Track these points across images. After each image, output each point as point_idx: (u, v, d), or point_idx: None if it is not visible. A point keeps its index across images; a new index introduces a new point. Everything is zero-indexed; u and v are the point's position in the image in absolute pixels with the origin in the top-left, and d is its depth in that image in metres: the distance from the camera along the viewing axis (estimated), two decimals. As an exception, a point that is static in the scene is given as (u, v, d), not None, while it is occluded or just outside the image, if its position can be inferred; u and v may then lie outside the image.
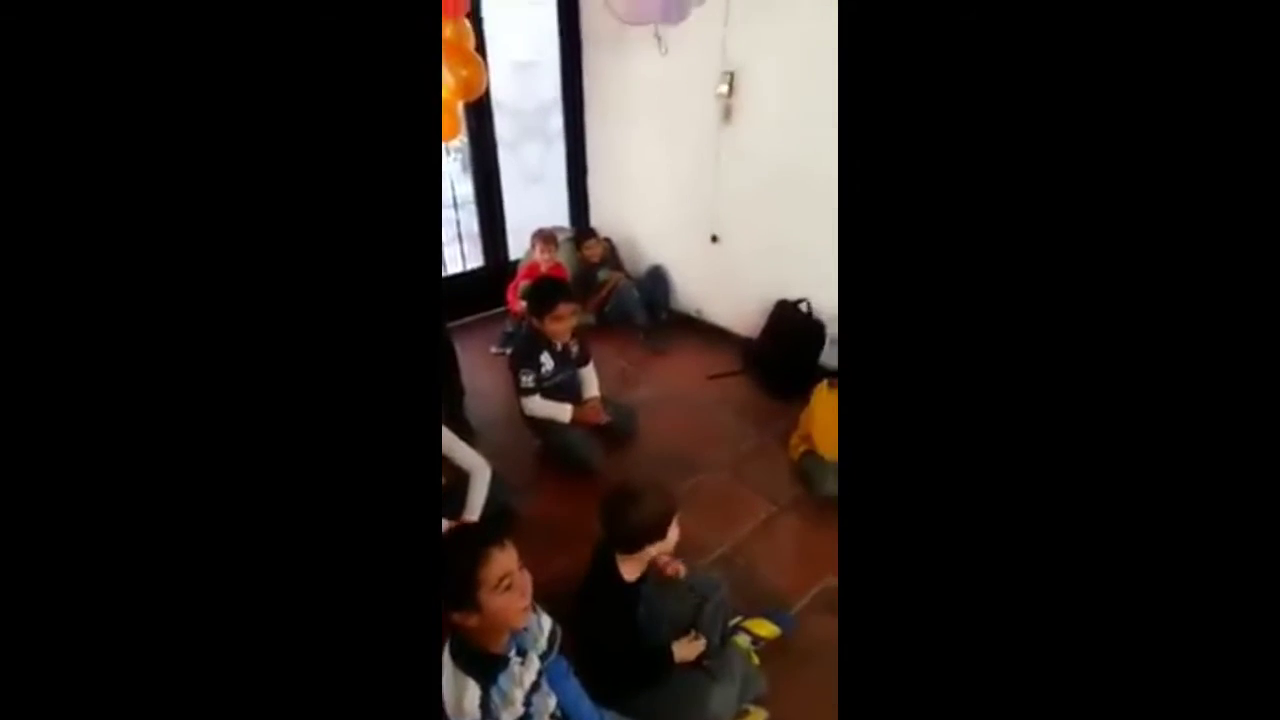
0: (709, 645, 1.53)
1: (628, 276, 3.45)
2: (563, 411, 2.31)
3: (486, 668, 1.11)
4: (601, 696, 1.35)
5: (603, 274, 3.41)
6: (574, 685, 1.31)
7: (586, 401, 2.41)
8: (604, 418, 2.38)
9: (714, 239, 3.20)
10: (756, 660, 1.59)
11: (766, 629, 1.66)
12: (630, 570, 1.43)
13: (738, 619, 1.65)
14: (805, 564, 1.95)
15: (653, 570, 1.51)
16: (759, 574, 1.91)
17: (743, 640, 1.61)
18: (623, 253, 3.60)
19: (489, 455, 2.01)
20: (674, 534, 1.42)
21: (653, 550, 1.41)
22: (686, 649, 1.49)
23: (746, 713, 1.49)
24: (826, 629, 1.72)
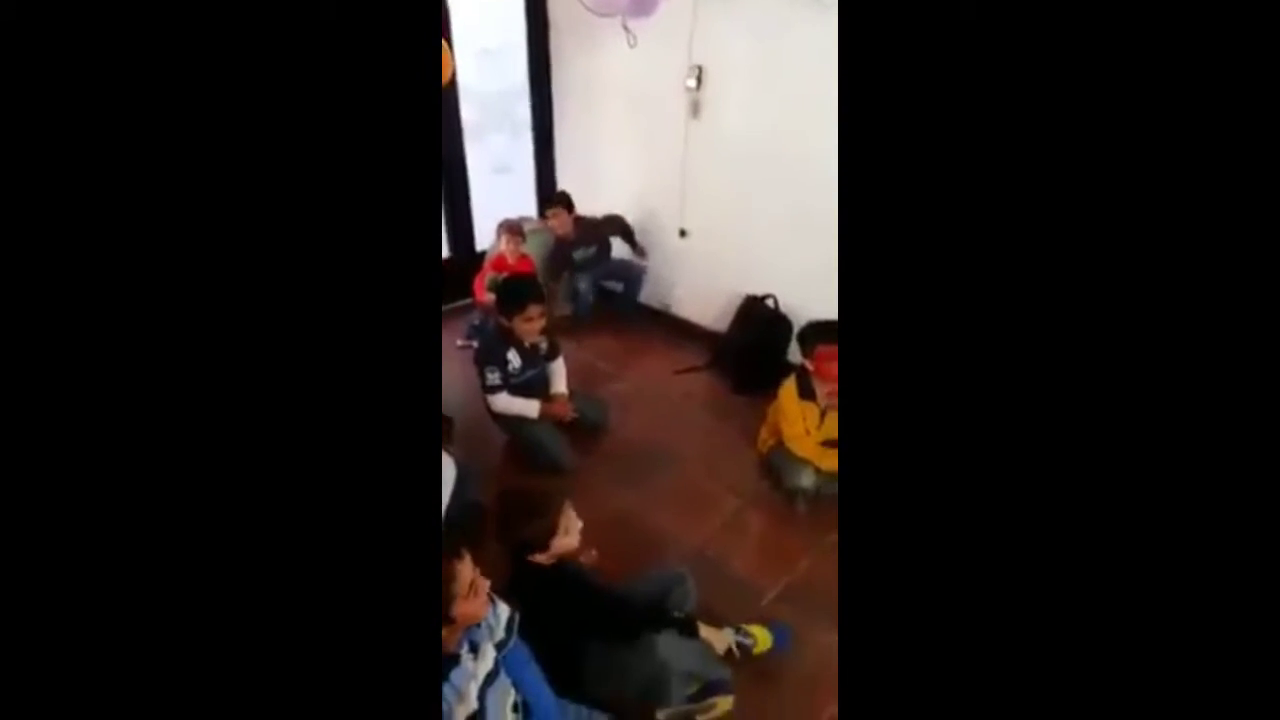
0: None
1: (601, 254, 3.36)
2: (530, 408, 2.29)
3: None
4: (557, 675, 1.38)
5: (579, 255, 3.30)
6: (534, 672, 1.32)
7: (554, 397, 2.39)
8: (571, 413, 2.36)
9: (682, 233, 3.20)
10: (733, 653, 1.59)
11: (762, 635, 1.64)
12: (545, 559, 1.48)
13: (737, 626, 1.64)
14: (773, 557, 1.99)
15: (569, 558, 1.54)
16: (729, 567, 1.94)
17: (728, 634, 1.59)
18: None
19: (456, 449, 1.99)
20: (574, 524, 1.49)
21: (557, 546, 1.47)
22: (717, 637, 1.55)
23: (713, 706, 1.50)
24: (793, 620, 1.75)
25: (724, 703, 1.50)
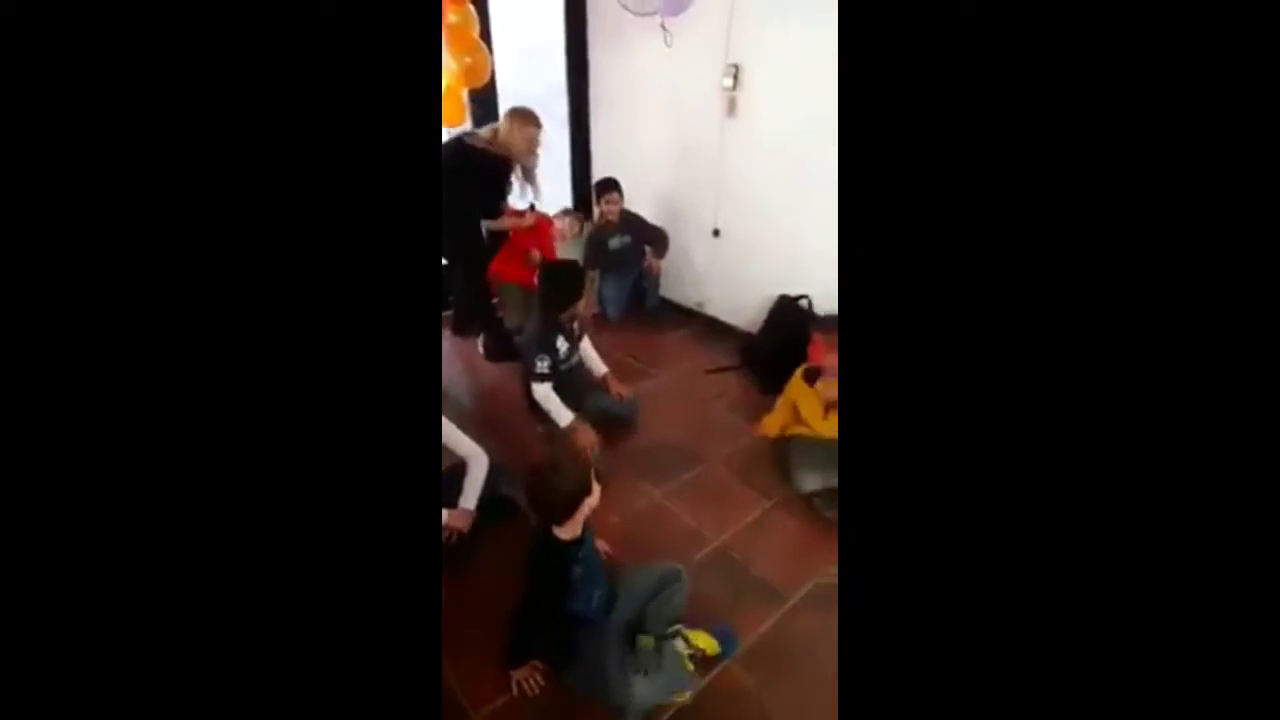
0: (651, 633, 1.60)
1: (650, 255, 3.37)
2: (563, 416, 2.31)
3: None
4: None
5: (615, 243, 3.31)
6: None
7: (601, 380, 2.55)
8: (596, 445, 2.30)
9: (716, 233, 3.20)
10: (690, 667, 1.59)
11: (707, 642, 1.64)
12: (567, 531, 1.50)
13: (678, 626, 1.64)
14: (798, 559, 1.98)
15: (590, 529, 1.56)
16: (753, 568, 1.94)
17: (680, 645, 1.60)
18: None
19: (491, 443, 2.03)
20: (596, 488, 1.50)
21: (585, 509, 1.48)
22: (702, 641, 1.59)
23: (669, 705, 1.51)
24: (818, 625, 1.74)
25: (679, 694, 1.54)
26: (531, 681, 1.54)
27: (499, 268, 3.07)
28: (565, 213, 3.38)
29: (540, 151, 2.80)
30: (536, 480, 1.44)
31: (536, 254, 3.03)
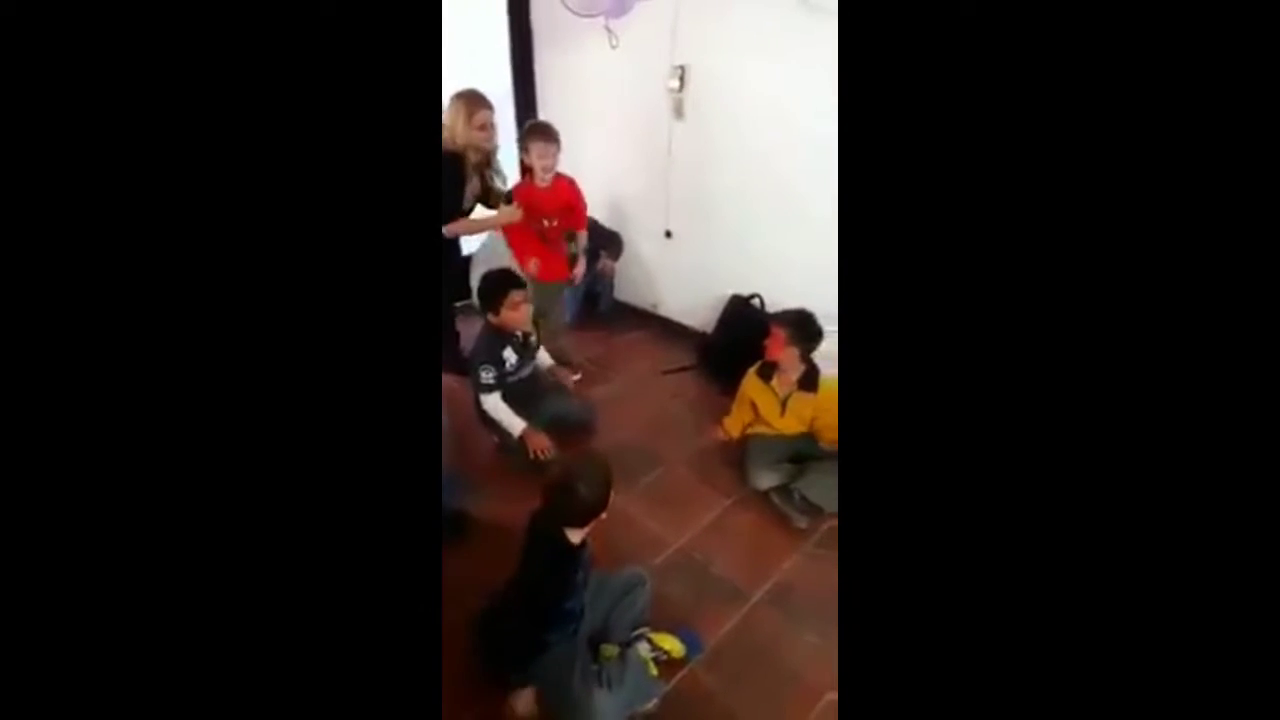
0: (615, 640, 1.59)
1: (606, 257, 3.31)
2: (514, 425, 2.26)
3: None
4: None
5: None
6: None
7: (558, 371, 2.54)
8: (548, 449, 2.23)
9: (668, 234, 3.21)
10: (655, 671, 1.58)
11: (671, 644, 1.64)
12: (575, 536, 1.47)
13: (643, 629, 1.64)
14: (759, 558, 1.99)
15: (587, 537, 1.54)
16: (715, 568, 1.94)
17: (644, 649, 1.60)
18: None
19: (446, 455, 1.98)
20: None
21: (597, 520, 1.47)
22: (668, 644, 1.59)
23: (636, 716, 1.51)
24: (778, 625, 1.76)
25: (645, 706, 1.53)
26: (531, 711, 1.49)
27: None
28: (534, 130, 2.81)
29: (496, 135, 2.50)
30: (563, 487, 1.42)
31: (536, 262, 2.67)
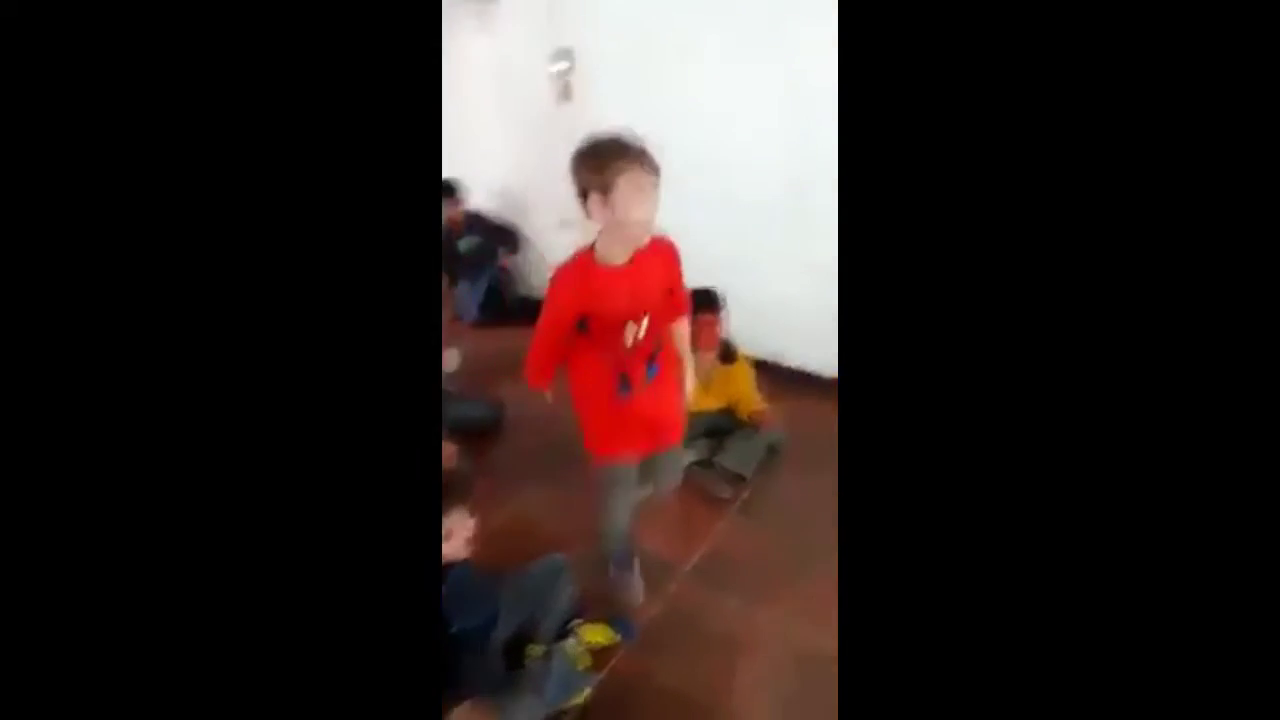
0: (543, 638, 1.53)
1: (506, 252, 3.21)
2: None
3: None
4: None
5: (463, 245, 3.16)
6: None
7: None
8: (454, 455, 2.11)
9: (563, 223, 3.14)
10: (589, 662, 1.54)
11: (603, 635, 1.60)
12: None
13: (577, 621, 1.59)
14: (683, 534, 1.98)
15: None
16: (643, 547, 1.90)
17: (571, 646, 1.54)
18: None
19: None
20: (462, 528, 1.38)
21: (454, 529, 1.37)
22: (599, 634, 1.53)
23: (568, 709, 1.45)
24: (704, 597, 1.75)
25: (577, 697, 1.47)
26: None
27: None
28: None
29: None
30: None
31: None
